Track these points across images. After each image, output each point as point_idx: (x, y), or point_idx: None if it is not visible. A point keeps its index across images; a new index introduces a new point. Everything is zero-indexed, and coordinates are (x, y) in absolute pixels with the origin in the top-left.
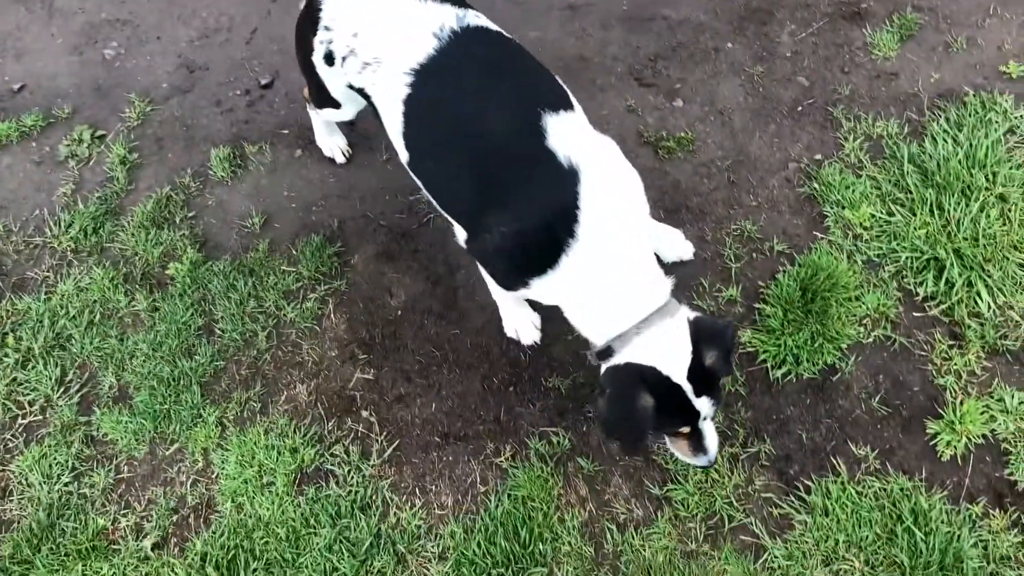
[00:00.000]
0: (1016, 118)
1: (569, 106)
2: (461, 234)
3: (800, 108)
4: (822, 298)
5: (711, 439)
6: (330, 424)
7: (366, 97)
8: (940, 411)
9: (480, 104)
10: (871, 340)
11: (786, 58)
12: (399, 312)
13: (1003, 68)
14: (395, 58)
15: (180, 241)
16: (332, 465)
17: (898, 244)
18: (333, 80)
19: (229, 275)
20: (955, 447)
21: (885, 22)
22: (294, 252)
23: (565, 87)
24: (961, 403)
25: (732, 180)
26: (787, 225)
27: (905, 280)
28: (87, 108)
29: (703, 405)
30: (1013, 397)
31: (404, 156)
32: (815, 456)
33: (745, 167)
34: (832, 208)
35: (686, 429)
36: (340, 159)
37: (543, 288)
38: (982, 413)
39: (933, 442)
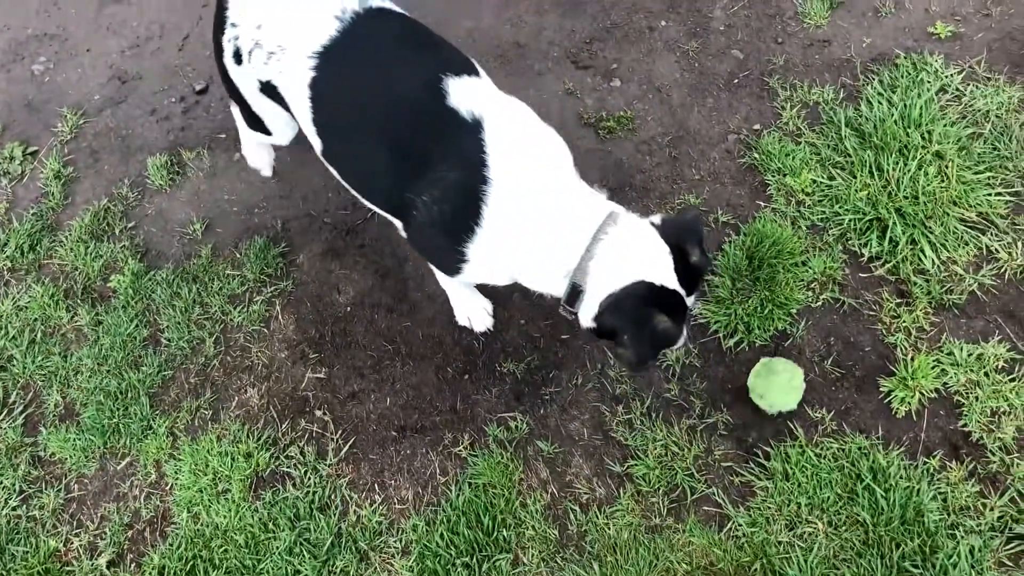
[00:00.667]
0: (946, 77)
1: (473, 72)
2: (400, 225)
3: (736, 81)
4: (769, 265)
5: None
6: (284, 426)
7: (277, 96)
8: (892, 369)
9: (383, 78)
10: (820, 304)
11: (720, 32)
12: (348, 308)
13: (931, 29)
14: (298, 43)
15: (121, 253)
16: (288, 467)
17: (840, 207)
18: (245, 81)
19: (172, 283)
20: (909, 403)
21: None
22: (238, 256)
23: (471, 59)
24: (912, 359)
25: (673, 155)
26: (730, 196)
27: (850, 242)
28: (17, 125)
29: (692, 305)
30: (962, 350)
31: (318, 145)
32: (772, 422)
33: (686, 142)
34: (773, 176)
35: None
36: (267, 173)
37: (481, 256)
38: (933, 368)
39: (887, 400)
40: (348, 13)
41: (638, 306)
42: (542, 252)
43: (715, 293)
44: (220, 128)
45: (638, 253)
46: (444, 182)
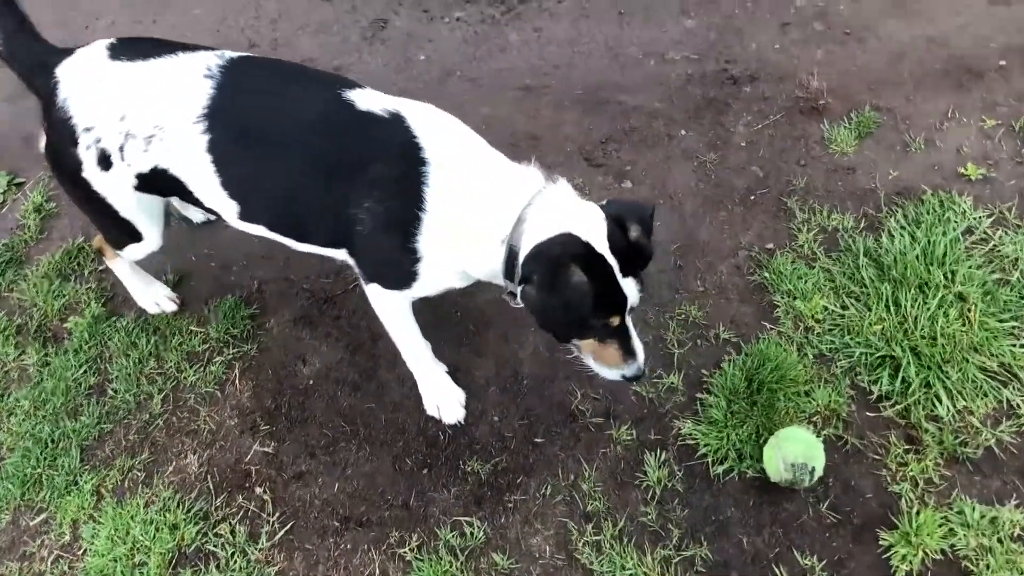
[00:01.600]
0: (974, 219)
1: (363, 87)
2: (347, 258)
3: (753, 197)
4: (769, 390)
5: (637, 341)
6: (219, 500)
7: (163, 186)
8: (895, 521)
9: (284, 112)
10: (821, 439)
11: (741, 148)
12: (310, 381)
13: (962, 170)
14: (177, 115)
15: (85, 294)
16: (215, 546)
17: (852, 339)
18: (118, 188)
19: (132, 332)
20: (911, 562)
21: (843, 119)
22: (206, 312)
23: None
24: (918, 513)
25: (679, 264)
26: (735, 313)
27: (859, 377)
28: (10, 156)
29: (630, 289)
30: (974, 510)
31: (233, 209)
32: (756, 564)
33: (693, 252)
34: (783, 298)
35: (615, 320)
36: (171, 308)
37: (431, 247)
38: (940, 526)
39: (887, 555)
40: (215, 68)
41: (556, 254)
42: (481, 222)
43: (708, 413)
44: None
45: (570, 213)
46: (384, 178)
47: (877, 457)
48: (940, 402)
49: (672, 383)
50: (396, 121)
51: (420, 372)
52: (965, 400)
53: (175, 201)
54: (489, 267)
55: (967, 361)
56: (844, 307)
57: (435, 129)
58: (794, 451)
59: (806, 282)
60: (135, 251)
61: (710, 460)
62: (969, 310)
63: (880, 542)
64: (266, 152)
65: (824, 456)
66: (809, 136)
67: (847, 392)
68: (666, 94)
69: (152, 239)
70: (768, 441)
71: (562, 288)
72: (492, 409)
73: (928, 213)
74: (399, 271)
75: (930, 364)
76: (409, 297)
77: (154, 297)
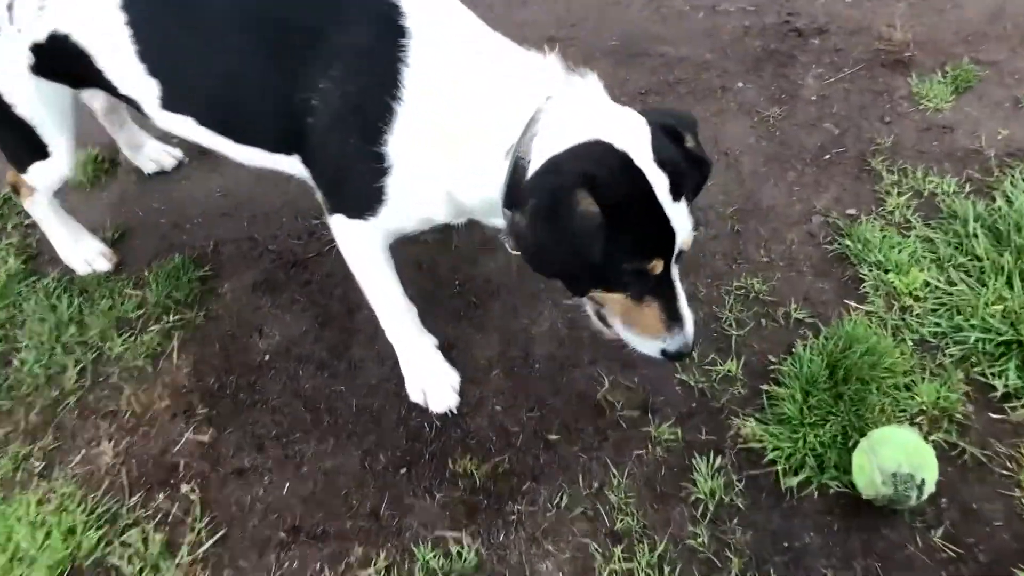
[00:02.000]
0: None
1: None
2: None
3: (828, 156)
4: (859, 380)
5: (685, 301)
6: (133, 499)
7: (66, 65)
8: None
9: None
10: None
11: (811, 102)
12: (266, 357)
13: None
14: None
15: (4, 250)
16: (118, 558)
17: (964, 321)
18: (10, 68)
19: (52, 293)
20: None
21: (936, 72)
22: (146, 275)
23: None
24: None
25: (736, 229)
26: (809, 288)
27: (975, 369)
28: None
29: (680, 219)
30: None
31: (154, 96)
32: None
33: (754, 216)
34: (871, 271)
35: (657, 266)
36: (104, 266)
37: (406, 155)
38: None
39: None
40: None
41: (570, 172)
42: (479, 122)
43: (777, 410)
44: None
45: (603, 115)
46: (347, 49)
47: (1007, 473)
48: None
49: (730, 371)
50: None
51: (402, 345)
52: None
53: (105, 117)
54: (485, 190)
55: None
56: (951, 283)
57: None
58: (895, 458)
59: (900, 252)
60: (43, 175)
61: (780, 469)
62: None
63: None
64: (194, 12)
65: (936, 466)
66: (894, 90)
67: (960, 387)
68: (717, 45)
69: (61, 155)
70: (859, 445)
71: (562, 217)
72: (494, 397)
73: None
74: (361, 186)
75: None
76: (381, 231)
77: (84, 253)
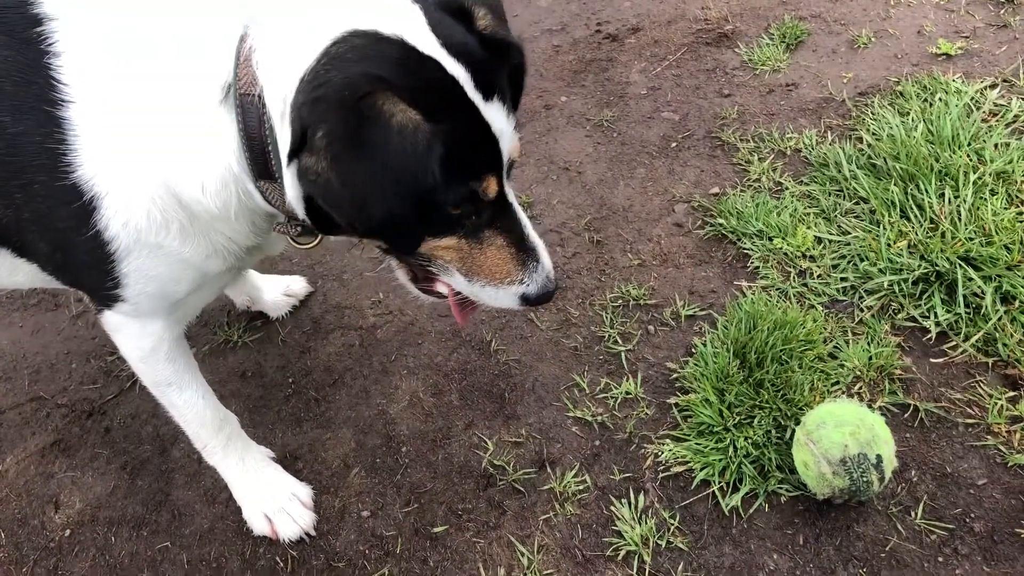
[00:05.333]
0: (975, 93)
1: None
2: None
3: (674, 144)
4: (775, 361)
5: (530, 225)
6: None
7: None
8: None
9: None
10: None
11: (642, 96)
12: (66, 532)
13: (933, 50)
14: None
15: None
16: None
17: (870, 267)
18: None
19: None
20: None
21: (761, 36)
22: None
23: None
24: None
25: (596, 240)
26: (692, 280)
27: (899, 315)
28: None
29: (500, 120)
30: None
31: None
32: None
33: (612, 222)
34: (754, 242)
35: (491, 187)
36: None
37: (106, 169)
38: None
39: None
40: None
41: (353, 77)
42: (167, 73)
43: (693, 420)
44: None
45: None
46: None
47: (971, 422)
48: None
49: (628, 392)
50: None
51: (227, 467)
52: None
53: None
54: (215, 163)
55: None
56: (844, 231)
57: None
58: (838, 440)
59: (780, 215)
60: None
61: (716, 489)
62: (1021, 189)
63: None
64: None
65: (890, 436)
66: (725, 64)
67: (890, 340)
68: (531, 69)
69: None
70: (795, 438)
71: (379, 141)
72: (358, 501)
73: (912, 99)
74: (79, 244)
75: (994, 271)
76: (156, 314)
77: None
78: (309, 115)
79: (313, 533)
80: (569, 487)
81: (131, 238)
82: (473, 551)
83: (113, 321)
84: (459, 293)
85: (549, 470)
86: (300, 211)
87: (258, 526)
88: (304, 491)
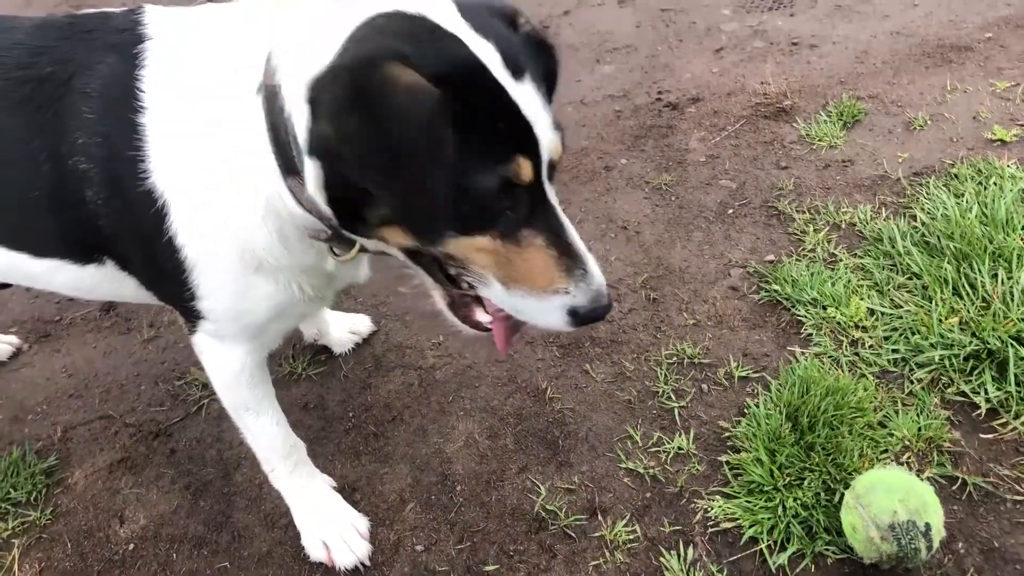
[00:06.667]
0: None
1: None
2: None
3: (731, 211)
4: (826, 425)
5: (575, 232)
6: None
7: None
8: None
9: None
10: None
11: (701, 163)
12: (131, 546)
13: (988, 135)
14: None
15: None
16: None
17: (921, 340)
18: None
19: None
20: None
21: (819, 113)
22: None
23: None
24: None
25: (652, 298)
26: (746, 343)
27: (949, 390)
28: None
29: (534, 108)
30: None
31: None
32: None
33: (668, 282)
34: (808, 310)
35: (524, 171)
36: None
37: (173, 176)
38: None
39: None
40: None
41: (368, 49)
42: (213, 74)
43: (744, 479)
44: (16, 318)
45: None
46: (91, 84)
47: (1020, 497)
48: None
49: (680, 447)
50: (127, 13)
51: (291, 491)
52: None
53: None
54: (252, 165)
55: None
56: (897, 305)
57: (181, 12)
58: (888, 506)
59: (834, 285)
60: None
61: (764, 547)
62: None
63: None
64: None
65: (939, 506)
66: (783, 137)
67: (940, 413)
68: (592, 133)
69: None
70: (844, 501)
71: (383, 101)
72: (413, 535)
73: (967, 182)
74: (157, 261)
75: None
76: (241, 339)
77: None
78: (318, 87)
79: (368, 564)
80: (619, 536)
81: (198, 246)
82: None
83: (200, 343)
84: (502, 314)
85: (600, 518)
86: (322, 201)
87: (315, 552)
88: (362, 522)
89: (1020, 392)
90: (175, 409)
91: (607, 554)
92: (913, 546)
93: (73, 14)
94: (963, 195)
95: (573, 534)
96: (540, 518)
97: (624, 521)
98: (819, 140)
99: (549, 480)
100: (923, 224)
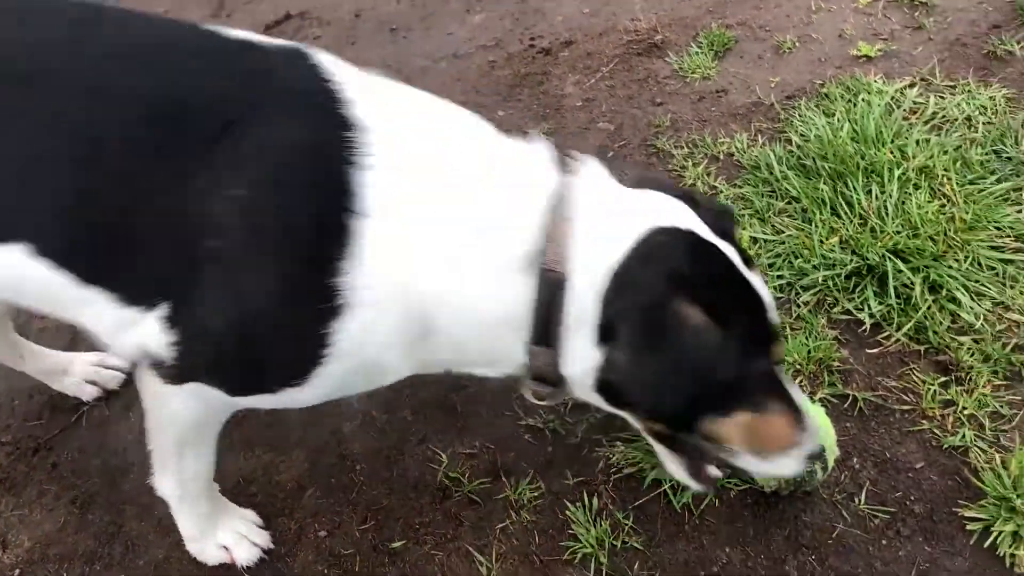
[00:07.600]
0: (896, 92)
1: None
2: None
3: (611, 153)
4: None
5: (789, 381)
6: None
7: None
8: (979, 486)
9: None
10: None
11: (577, 108)
12: (16, 572)
13: (854, 52)
14: None
15: None
16: None
17: (805, 263)
18: None
19: None
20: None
21: (690, 45)
22: None
23: None
24: (1005, 464)
25: None
26: None
27: (835, 309)
28: None
29: (764, 289)
30: None
31: None
32: None
33: None
34: None
35: (781, 349)
36: None
37: (375, 290)
38: None
39: (988, 542)
40: None
41: (657, 278)
42: (475, 232)
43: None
44: None
45: (637, 198)
46: (276, 146)
47: (907, 407)
48: (961, 306)
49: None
50: (294, 56)
51: (179, 491)
52: (992, 293)
53: None
54: (490, 330)
55: (968, 245)
56: (779, 231)
57: (356, 74)
58: None
59: None
60: None
61: (667, 487)
62: (941, 184)
63: (968, 530)
64: (32, 96)
65: (831, 427)
66: (656, 73)
67: (827, 333)
68: (468, 87)
69: None
70: None
71: (674, 345)
72: (315, 521)
73: (837, 100)
74: (286, 344)
75: (922, 263)
76: (233, 406)
77: None
78: (616, 311)
79: (267, 555)
80: (524, 494)
81: (350, 354)
82: (432, 564)
83: (162, 390)
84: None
85: (504, 479)
86: (582, 384)
87: (211, 556)
88: (250, 514)
89: (900, 304)
90: (53, 421)
91: (513, 514)
92: (808, 469)
93: (225, 37)
94: (834, 114)
95: (478, 499)
96: (444, 487)
97: (528, 479)
98: (692, 73)
99: (450, 447)
100: (798, 147)
